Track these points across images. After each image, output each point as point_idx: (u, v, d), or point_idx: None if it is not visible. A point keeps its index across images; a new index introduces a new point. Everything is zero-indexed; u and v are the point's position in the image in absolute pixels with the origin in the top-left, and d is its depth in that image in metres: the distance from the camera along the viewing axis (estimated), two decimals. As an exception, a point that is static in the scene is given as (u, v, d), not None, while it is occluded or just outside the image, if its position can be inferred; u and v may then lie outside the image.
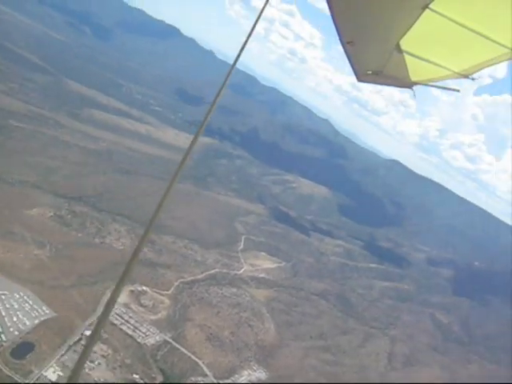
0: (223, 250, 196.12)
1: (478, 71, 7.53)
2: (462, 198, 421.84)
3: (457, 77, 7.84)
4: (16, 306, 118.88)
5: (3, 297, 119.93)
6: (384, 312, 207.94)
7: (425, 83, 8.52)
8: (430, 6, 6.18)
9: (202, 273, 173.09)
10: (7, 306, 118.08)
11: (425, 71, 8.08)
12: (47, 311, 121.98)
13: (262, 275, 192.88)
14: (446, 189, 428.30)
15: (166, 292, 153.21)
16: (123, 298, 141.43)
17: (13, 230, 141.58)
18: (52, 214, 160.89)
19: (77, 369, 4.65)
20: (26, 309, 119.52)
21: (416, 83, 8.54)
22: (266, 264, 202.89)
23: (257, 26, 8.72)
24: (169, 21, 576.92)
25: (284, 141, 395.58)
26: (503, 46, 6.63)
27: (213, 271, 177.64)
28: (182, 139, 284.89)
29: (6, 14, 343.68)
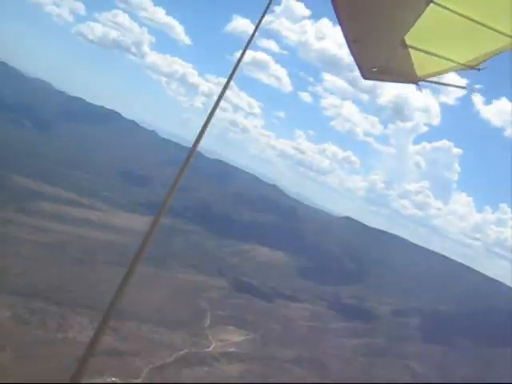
0: (190, 329, 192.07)
1: (483, 62, 7.61)
2: (416, 245, 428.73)
3: (463, 68, 7.92)
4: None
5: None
6: (360, 370, 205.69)
7: (430, 78, 8.53)
8: (434, 0, 6.24)
9: (171, 355, 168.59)
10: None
11: (431, 65, 8.16)
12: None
13: (231, 349, 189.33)
14: (400, 238, 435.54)
15: (135, 381, 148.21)
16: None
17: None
18: (9, 313, 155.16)
19: (79, 370, 4.61)
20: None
21: (422, 79, 8.55)
22: (234, 337, 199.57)
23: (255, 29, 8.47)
24: (108, 106, 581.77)
25: (236, 210, 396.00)
26: (508, 35, 6.71)
27: (182, 352, 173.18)
28: (135, 221, 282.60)
29: None
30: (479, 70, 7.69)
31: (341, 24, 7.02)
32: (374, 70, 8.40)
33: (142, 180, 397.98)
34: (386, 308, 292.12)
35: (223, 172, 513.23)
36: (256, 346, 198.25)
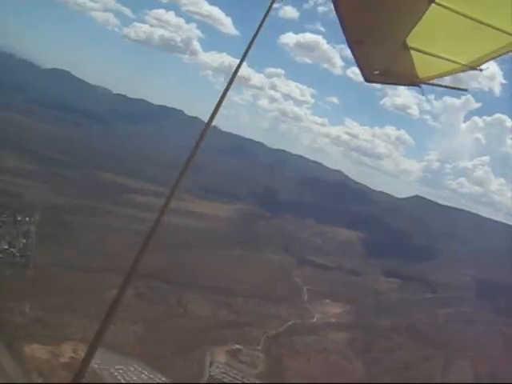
0: (291, 302, 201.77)
1: (485, 62, 7.56)
2: (487, 219, 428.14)
3: (465, 69, 7.87)
4: (135, 378, 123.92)
5: (120, 371, 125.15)
6: (455, 336, 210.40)
7: (432, 80, 8.53)
8: (436, 0, 6.22)
9: (281, 326, 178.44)
10: (127, 378, 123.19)
11: (433, 66, 8.14)
12: (163, 378, 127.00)
13: (333, 320, 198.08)
14: (472, 213, 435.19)
15: (257, 347, 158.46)
16: (222, 357, 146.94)
17: (104, 310, 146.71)
18: (132, 292, 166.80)
19: (81, 369, 4.62)
20: (144, 379, 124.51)
21: (424, 80, 8.52)
22: (333, 310, 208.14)
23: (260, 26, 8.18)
24: (170, 104, 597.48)
25: (306, 196, 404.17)
26: (510, 35, 6.66)
27: (290, 323, 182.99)
28: (219, 209, 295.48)
29: (18, 120, 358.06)
30: (481, 70, 7.71)
31: (343, 26, 7.09)
32: (376, 72, 8.51)
33: (204, 168, 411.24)
34: (467, 279, 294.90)
35: (286, 160, 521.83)
36: (354, 317, 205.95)
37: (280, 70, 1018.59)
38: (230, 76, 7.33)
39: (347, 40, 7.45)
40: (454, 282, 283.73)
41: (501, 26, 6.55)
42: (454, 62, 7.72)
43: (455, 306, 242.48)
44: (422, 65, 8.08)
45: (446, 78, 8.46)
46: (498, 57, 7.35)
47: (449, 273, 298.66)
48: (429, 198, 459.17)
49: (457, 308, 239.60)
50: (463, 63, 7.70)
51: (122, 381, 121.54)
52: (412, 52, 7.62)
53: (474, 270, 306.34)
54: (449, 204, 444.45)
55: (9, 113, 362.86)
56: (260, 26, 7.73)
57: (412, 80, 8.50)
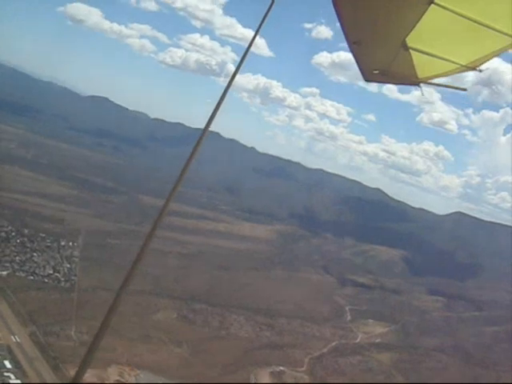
0: (334, 323, 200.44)
1: (484, 63, 7.58)
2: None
3: (464, 70, 7.89)
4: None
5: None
6: (503, 355, 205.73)
7: (432, 80, 8.61)
8: (435, 0, 6.23)
9: (325, 347, 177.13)
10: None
11: (432, 67, 8.16)
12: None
13: (377, 340, 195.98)
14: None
15: (301, 369, 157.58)
16: (266, 379, 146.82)
17: (149, 333, 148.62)
18: (176, 315, 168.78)
19: (81, 370, 4.61)
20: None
21: (423, 80, 8.56)
22: (377, 329, 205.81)
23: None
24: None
25: (345, 215, 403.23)
26: (509, 35, 6.66)
27: (333, 344, 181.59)
28: (259, 230, 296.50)
29: (60, 147, 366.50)
30: (480, 71, 7.75)
31: (342, 26, 7.13)
32: (376, 72, 8.55)
33: (243, 190, 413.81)
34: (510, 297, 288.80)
35: (325, 179, 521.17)
36: (399, 337, 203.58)
37: (315, 90, 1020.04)
38: (228, 80, 7.36)
39: (347, 39, 7.49)
40: (499, 299, 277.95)
41: (500, 28, 6.59)
42: (453, 62, 7.76)
43: (502, 324, 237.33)
44: (422, 65, 8.12)
45: (445, 79, 8.62)
46: (496, 57, 7.45)
47: (494, 290, 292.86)
48: (470, 213, 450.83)
49: (504, 326, 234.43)
50: (462, 64, 7.73)
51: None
52: (411, 52, 7.66)
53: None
54: (491, 219, 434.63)
55: (52, 140, 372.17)
56: (259, 26, 7.78)
57: (411, 80, 8.58)
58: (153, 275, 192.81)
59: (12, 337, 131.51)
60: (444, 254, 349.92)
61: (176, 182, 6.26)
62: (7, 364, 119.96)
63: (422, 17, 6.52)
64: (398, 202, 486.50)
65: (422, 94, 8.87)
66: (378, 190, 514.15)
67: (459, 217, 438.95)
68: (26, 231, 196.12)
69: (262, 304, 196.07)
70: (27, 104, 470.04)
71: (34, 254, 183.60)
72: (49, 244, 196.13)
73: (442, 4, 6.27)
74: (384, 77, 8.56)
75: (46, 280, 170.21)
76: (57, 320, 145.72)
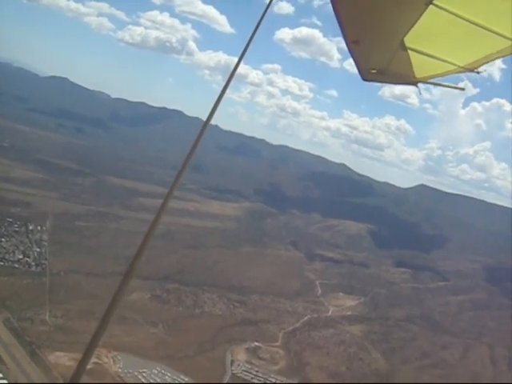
0: (305, 297, 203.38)
1: (482, 65, 7.59)
2: (495, 205, 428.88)
3: (462, 71, 7.91)
4: (159, 380, 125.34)
5: (144, 374, 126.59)
6: (470, 323, 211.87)
7: (429, 80, 8.64)
8: (434, 1, 6.22)
9: (298, 321, 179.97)
10: (152, 381, 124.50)
11: (430, 67, 8.16)
12: (186, 379, 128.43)
13: (348, 313, 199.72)
14: (478, 199, 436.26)
15: (276, 344, 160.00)
16: (243, 355, 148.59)
17: (124, 315, 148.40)
18: (149, 295, 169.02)
19: (79, 369, 4.58)
20: (169, 380, 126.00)
21: (421, 80, 8.58)
22: (347, 302, 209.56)
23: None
24: (170, 106, 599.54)
25: (311, 190, 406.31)
26: (508, 38, 6.67)
27: (306, 318, 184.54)
28: (226, 208, 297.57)
29: (21, 129, 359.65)
30: (478, 73, 7.77)
31: (340, 25, 7.13)
32: (373, 71, 8.51)
33: (208, 168, 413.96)
34: (476, 266, 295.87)
35: (289, 155, 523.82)
36: (369, 309, 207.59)
37: (277, 66, 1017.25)
38: (229, 75, 7.22)
39: (345, 38, 7.45)
40: (464, 269, 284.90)
41: (498, 30, 6.60)
42: (450, 63, 7.76)
43: (467, 293, 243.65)
44: (419, 65, 8.10)
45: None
46: (494, 60, 7.40)
47: (458, 260, 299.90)
48: (432, 186, 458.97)
49: (469, 295, 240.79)
50: (460, 65, 7.73)
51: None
52: (409, 52, 7.66)
53: (483, 256, 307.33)
54: (452, 191, 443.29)
55: (12, 122, 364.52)
56: (258, 25, 7.65)
57: (408, 80, 8.58)
58: (124, 256, 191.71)
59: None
60: (409, 226, 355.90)
61: (178, 173, 5.91)
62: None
63: (420, 17, 6.54)
64: (363, 176, 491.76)
65: (420, 94, 9.04)
66: (343, 165, 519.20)
67: (422, 189, 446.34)
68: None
69: (233, 281, 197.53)
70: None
71: (2, 240, 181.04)
72: (17, 229, 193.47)
73: (441, 5, 6.28)
74: (382, 76, 8.49)
75: (17, 265, 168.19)
76: (30, 305, 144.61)
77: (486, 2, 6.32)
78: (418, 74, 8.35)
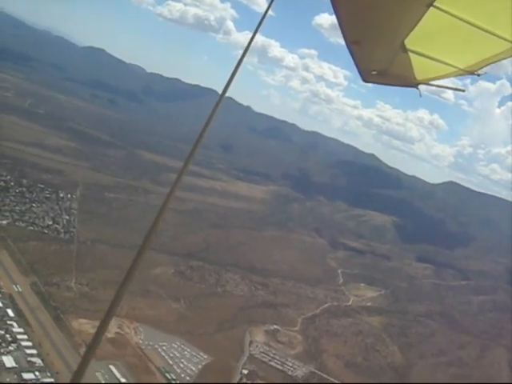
0: (327, 285, 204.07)
1: (483, 67, 7.55)
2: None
3: (462, 74, 7.87)
4: (178, 355, 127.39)
5: (164, 347, 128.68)
6: (489, 324, 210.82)
7: (430, 82, 8.66)
8: (435, 3, 6.20)
9: (317, 308, 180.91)
10: (171, 355, 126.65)
11: (430, 69, 8.11)
12: (205, 356, 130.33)
13: (368, 304, 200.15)
14: (507, 200, 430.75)
15: (294, 328, 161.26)
16: (261, 337, 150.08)
17: (148, 288, 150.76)
18: (173, 270, 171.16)
19: (80, 369, 4.58)
20: (187, 356, 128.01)
21: (421, 82, 8.57)
22: (368, 293, 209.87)
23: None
24: (204, 84, 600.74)
25: (339, 179, 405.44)
26: (508, 41, 6.65)
27: (326, 305, 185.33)
28: (254, 190, 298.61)
29: (57, 98, 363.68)
30: (479, 75, 7.71)
31: (341, 26, 7.12)
32: (374, 73, 8.50)
33: (239, 149, 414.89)
34: (500, 267, 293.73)
35: (320, 142, 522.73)
36: (389, 301, 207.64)
37: (313, 51, 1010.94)
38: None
39: (345, 39, 7.41)
40: (487, 269, 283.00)
41: (499, 32, 6.57)
42: (451, 65, 7.75)
43: (489, 293, 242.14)
44: (420, 67, 8.05)
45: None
46: (495, 62, 7.35)
47: (482, 260, 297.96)
48: (461, 183, 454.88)
49: (490, 296, 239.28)
50: (460, 67, 7.72)
51: (166, 357, 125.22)
52: (410, 54, 7.61)
53: (508, 258, 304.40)
54: (481, 190, 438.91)
55: (47, 90, 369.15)
56: (259, 24, 7.45)
57: (409, 82, 8.58)
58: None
59: (14, 286, 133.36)
60: (435, 222, 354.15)
61: (192, 150, 5.73)
62: (10, 312, 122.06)
63: (421, 19, 6.52)
64: (392, 168, 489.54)
65: (420, 96, 8.94)
66: (372, 155, 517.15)
67: (451, 186, 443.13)
68: (24, 181, 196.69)
69: (256, 263, 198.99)
70: (23, 52, 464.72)
71: (33, 205, 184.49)
72: (47, 195, 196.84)
73: (442, 7, 6.26)
74: (382, 78, 8.55)
75: (46, 231, 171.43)
76: (57, 271, 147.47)
77: (487, 5, 6.31)
78: (419, 76, 8.39)
